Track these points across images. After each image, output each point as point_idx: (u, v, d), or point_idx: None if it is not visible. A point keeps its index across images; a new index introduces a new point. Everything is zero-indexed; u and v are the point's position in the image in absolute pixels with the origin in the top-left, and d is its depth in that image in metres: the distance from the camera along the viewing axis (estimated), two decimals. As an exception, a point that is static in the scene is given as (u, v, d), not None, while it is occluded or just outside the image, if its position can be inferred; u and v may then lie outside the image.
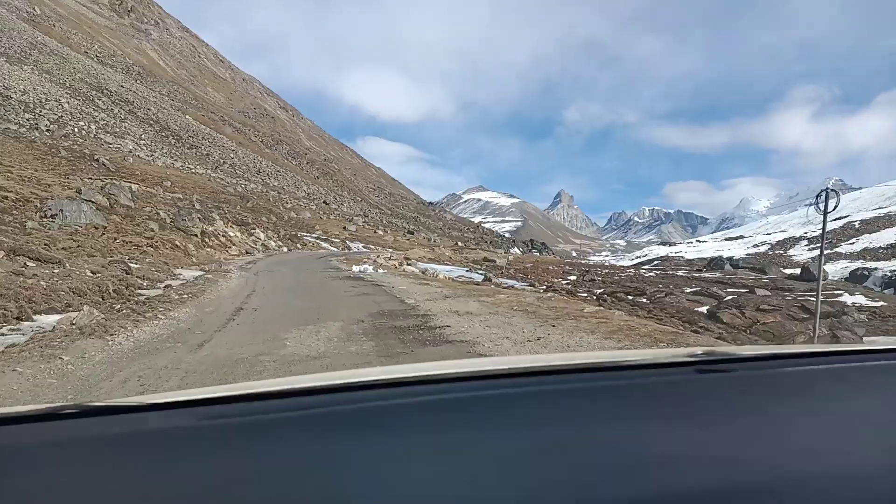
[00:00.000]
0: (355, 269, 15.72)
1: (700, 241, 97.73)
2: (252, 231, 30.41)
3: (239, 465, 0.74)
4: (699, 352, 1.16)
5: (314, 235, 38.42)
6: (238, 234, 27.98)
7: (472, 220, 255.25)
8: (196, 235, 21.41)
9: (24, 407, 0.84)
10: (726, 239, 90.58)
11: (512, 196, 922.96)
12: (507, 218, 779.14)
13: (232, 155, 72.02)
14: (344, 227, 46.25)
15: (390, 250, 36.35)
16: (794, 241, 68.81)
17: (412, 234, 59.28)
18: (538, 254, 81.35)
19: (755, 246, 69.20)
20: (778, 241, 70.21)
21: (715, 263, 46.29)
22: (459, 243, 54.80)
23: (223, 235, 25.39)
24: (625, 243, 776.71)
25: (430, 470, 0.75)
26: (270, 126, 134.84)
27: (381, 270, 16.34)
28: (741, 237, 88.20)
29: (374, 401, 0.91)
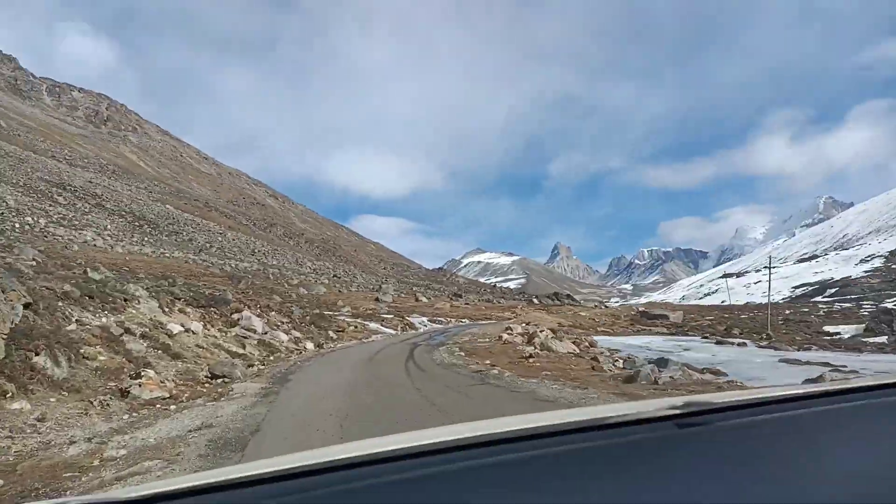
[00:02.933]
0: None
1: (779, 268, 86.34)
2: (236, 318, 16.51)
3: None
4: (679, 403, 1.10)
5: (344, 314, 27.27)
6: (196, 324, 13.85)
7: (477, 281, 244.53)
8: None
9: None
10: (804, 260, 79.64)
11: (511, 254, 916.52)
12: (509, 276, 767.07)
13: (220, 238, 62.21)
14: (376, 299, 35.52)
15: (467, 321, 25.26)
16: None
17: (459, 297, 48.38)
18: (568, 305, 71.72)
19: (864, 261, 58.74)
20: (891, 252, 59.27)
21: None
22: (534, 300, 43.98)
23: (149, 335, 11.47)
24: (631, 287, 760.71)
25: None
26: (261, 212, 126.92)
27: None
28: (822, 255, 77.49)
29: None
